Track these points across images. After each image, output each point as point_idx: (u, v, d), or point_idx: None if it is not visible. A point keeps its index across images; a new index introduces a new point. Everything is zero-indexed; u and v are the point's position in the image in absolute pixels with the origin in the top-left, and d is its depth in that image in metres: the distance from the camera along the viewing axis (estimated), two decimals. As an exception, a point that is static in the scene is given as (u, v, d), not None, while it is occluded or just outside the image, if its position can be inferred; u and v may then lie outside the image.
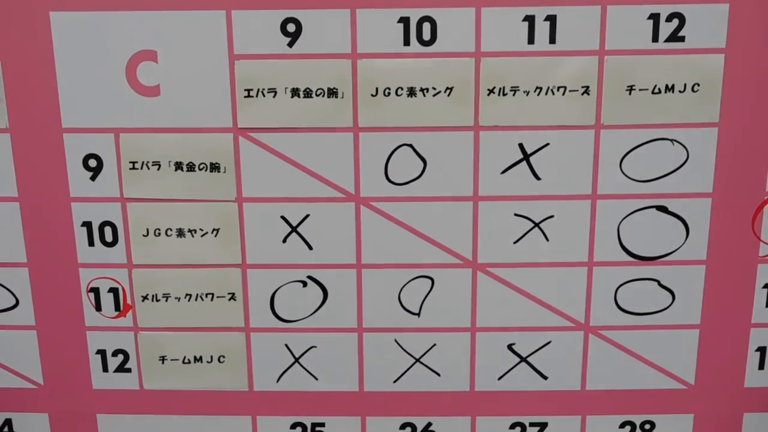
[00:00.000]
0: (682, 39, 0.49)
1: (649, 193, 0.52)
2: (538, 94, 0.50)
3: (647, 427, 0.58)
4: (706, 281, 0.54)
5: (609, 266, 0.54)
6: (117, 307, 0.56)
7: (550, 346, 0.56)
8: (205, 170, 0.52)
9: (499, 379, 0.57)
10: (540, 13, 0.48)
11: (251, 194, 0.53)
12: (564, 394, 0.57)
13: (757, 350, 0.56)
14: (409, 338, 0.56)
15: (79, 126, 0.51)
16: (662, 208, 0.53)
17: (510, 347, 0.56)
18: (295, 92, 0.50)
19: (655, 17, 0.48)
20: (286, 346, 0.57)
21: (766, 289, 0.54)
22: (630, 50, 0.49)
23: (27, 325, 0.56)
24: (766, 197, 0.52)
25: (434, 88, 0.50)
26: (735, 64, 0.49)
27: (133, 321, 0.56)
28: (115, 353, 0.57)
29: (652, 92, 0.50)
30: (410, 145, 0.51)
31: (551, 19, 0.48)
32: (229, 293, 0.55)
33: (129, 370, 0.57)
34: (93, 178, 0.53)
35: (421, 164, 0.52)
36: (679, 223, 0.53)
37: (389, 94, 0.50)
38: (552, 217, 0.53)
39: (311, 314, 0.56)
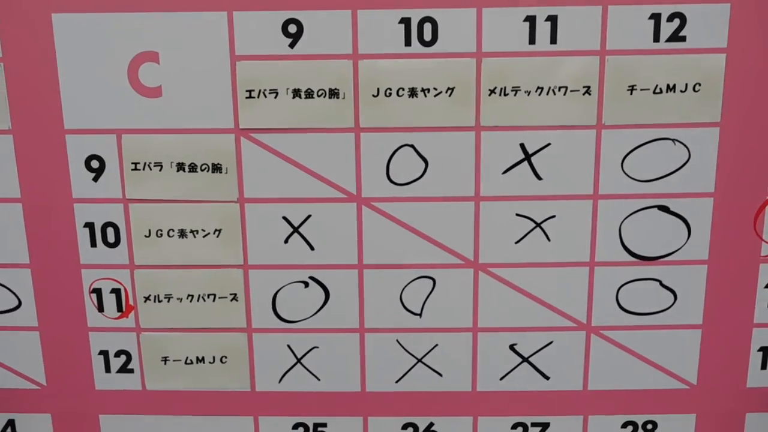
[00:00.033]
0: (683, 39, 0.49)
1: (650, 193, 0.52)
2: (540, 95, 0.50)
3: (649, 427, 0.58)
4: (708, 281, 0.54)
5: (611, 266, 0.54)
6: (119, 308, 0.56)
7: (552, 346, 0.56)
8: (207, 171, 0.52)
9: (501, 379, 0.57)
10: (541, 13, 0.48)
11: (253, 195, 0.53)
12: (566, 394, 0.57)
13: (759, 350, 0.55)
14: (411, 338, 0.56)
15: (82, 127, 0.52)
16: (664, 208, 0.53)
17: (512, 347, 0.56)
18: (296, 93, 0.50)
19: (656, 17, 0.48)
20: (288, 346, 0.57)
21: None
22: (631, 50, 0.49)
23: (29, 326, 0.56)
24: (767, 197, 0.52)
25: (435, 89, 0.50)
26: (736, 64, 0.49)
27: (135, 322, 0.56)
28: (117, 354, 0.57)
29: (654, 92, 0.50)
30: (411, 146, 0.52)
31: (552, 20, 0.49)
32: (231, 294, 0.55)
33: (131, 371, 0.57)
34: (95, 179, 0.53)
35: (423, 164, 0.52)
36: (681, 223, 0.53)
37: (390, 94, 0.50)
38: (553, 217, 0.53)
39: (313, 315, 0.56)
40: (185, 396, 0.58)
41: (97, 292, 0.56)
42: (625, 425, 0.58)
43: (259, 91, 0.50)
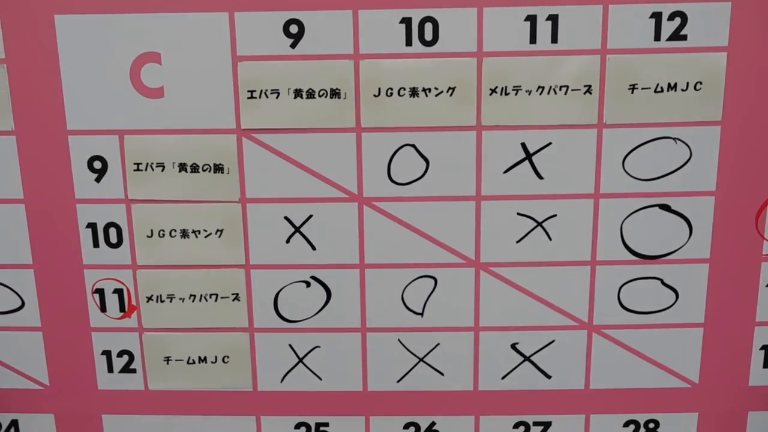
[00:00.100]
0: (684, 38, 0.49)
1: (651, 191, 0.52)
2: (540, 94, 0.50)
3: (651, 425, 0.58)
4: (710, 280, 0.54)
5: (612, 265, 0.54)
6: (122, 308, 0.56)
7: (554, 345, 0.56)
8: (209, 171, 0.52)
9: (503, 378, 0.57)
10: (542, 12, 0.48)
11: (255, 195, 0.53)
12: (568, 393, 0.57)
13: (761, 348, 0.55)
14: (413, 338, 0.56)
15: (84, 128, 0.52)
16: (665, 207, 0.53)
17: (513, 346, 0.56)
18: (297, 93, 0.50)
19: (657, 16, 0.48)
20: (290, 346, 0.57)
21: (769, 288, 0.54)
22: (632, 49, 0.49)
23: (32, 327, 0.57)
24: (769, 195, 0.52)
25: (436, 88, 0.50)
26: (737, 62, 0.49)
27: (137, 322, 0.56)
28: (120, 354, 0.57)
29: (655, 91, 0.50)
30: (413, 145, 0.52)
31: (553, 19, 0.49)
32: (233, 294, 0.55)
33: (134, 371, 0.58)
34: (98, 180, 0.53)
35: (424, 164, 0.52)
36: (682, 221, 0.53)
37: (392, 94, 0.50)
38: (555, 216, 0.53)
39: (315, 314, 0.56)
40: (187, 396, 0.58)
41: (100, 292, 0.56)
42: (626, 424, 0.58)
43: (261, 91, 0.50)
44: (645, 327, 0.55)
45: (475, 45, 0.49)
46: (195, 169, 0.52)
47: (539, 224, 0.53)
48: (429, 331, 0.56)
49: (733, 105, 0.50)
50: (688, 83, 0.50)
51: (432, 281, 0.55)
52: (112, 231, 0.54)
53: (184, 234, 0.54)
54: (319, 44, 0.49)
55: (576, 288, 0.54)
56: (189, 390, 0.58)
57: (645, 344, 0.56)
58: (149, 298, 0.56)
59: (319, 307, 0.56)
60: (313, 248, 0.54)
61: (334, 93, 0.50)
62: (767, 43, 0.49)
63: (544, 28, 0.49)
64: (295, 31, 0.49)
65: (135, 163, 0.52)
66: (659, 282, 0.54)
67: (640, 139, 0.51)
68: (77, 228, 0.54)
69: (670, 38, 0.49)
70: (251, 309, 0.56)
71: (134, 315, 0.56)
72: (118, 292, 0.56)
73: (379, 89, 0.50)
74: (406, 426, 0.58)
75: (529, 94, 0.50)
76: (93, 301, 0.56)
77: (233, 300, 0.55)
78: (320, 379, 0.57)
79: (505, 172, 0.52)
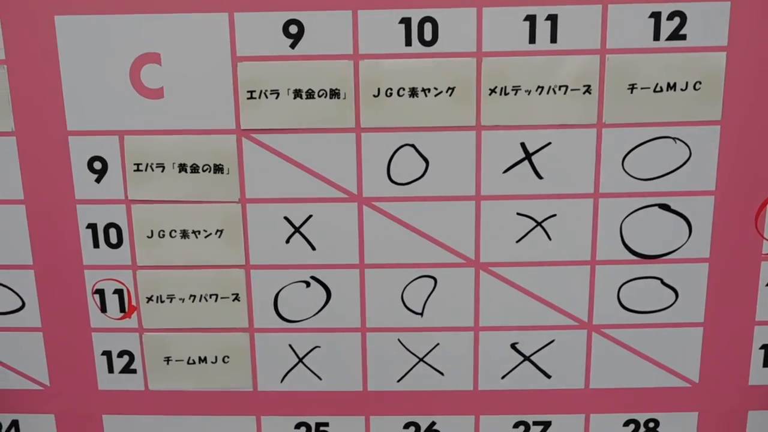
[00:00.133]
0: (683, 37, 0.49)
1: (651, 191, 0.52)
2: (540, 94, 0.50)
3: (651, 425, 0.58)
4: (710, 279, 0.54)
5: (612, 265, 0.54)
6: (122, 309, 0.56)
7: (554, 344, 0.56)
8: (209, 171, 0.53)
9: (503, 378, 0.57)
10: (541, 12, 0.48)
11: (254, 195, 0.53)
12: (567, 393, 0.57)
13: (761, 348, 0.55)
14: (413, 338, 0.56)
15: (84, 128, 0.52)
16: (665, 207, 0.53)
17: (513, 346, 0.56)
18: (297, 93, 0.50)
19: (656, 16, 0.48)
20: (290, 346, 0.57)
21: (769, 287, 0.54)
22: (631, 49, 0.49)
23: (33, 327, 0.57)
24: (768, 195, 0.52)
25: (436, 88, 0.50)
26: (737, 62, 0.49)
27: (138, 322, 0.56)
28: (120, 354, 0.57)
29: (654, 91, 0.50)
30: (412, 145, 0.52)
31: (552, 19, 0.49)
32: (233, 294, 0.55)
33: (134, 371, 0.58)
34: (98, 180, 0.53)
35: (423, 164, 0.52)
36: (682, 221, 0.53)
37: (391, 94, 0.50)
38: (554, 216, 0.53)
39: (315, 314, 0.56)
40: (188, 396, 0.58)
41: (100, 292, 0.56)
42: (626, 423, 0.58)
43: (261, 91, 0.50)
44: (645, 326, 0.55)
45: (475, 45, 0.49)
46: (195, 169, 0.52)
47: (539, 224, 0.53)
48: (429, 331, 0.56)
49: (732, 105, 0.50)
50: (687, 83, 0.50)
51: (432, 281, 0.55)
52: (112, 231, 0.54)
53: (184, 234, 0.54)
54: (318, 44, 0.49)
55: (576, 288, 0.54)
56: (189, 390, 0.58)
57: (645, 344, 0.56)
58: (149, 299, 0.56)
59: (319, 307, 0.56)
60: (313, 248, 0.54)
61: (334, 93, 0.50)
62: (767, 43, 0.49)
63: (543, 28, 0.49)
64: (294, 32, 0.49)
65: (135, 164, 0.52)
66: (659, 282, 0.54)
67: (639, 138, 0.51)
68: (77, 228, 0.54)
69: (670, 38, 0.49)
70: (251, 309, 0.56)
71: (134, 315, 0.56)
72: (119, 292, 0.56)
73: (379, 89, 0.50)
74: (406, 426, 0.58)
75: (529, 94, 0.50)
76: (93, 302, 0.56)
77: (233, 300, 0.55)
78: (320, 379, 0.57)
79: (505, 171, 0.52)
